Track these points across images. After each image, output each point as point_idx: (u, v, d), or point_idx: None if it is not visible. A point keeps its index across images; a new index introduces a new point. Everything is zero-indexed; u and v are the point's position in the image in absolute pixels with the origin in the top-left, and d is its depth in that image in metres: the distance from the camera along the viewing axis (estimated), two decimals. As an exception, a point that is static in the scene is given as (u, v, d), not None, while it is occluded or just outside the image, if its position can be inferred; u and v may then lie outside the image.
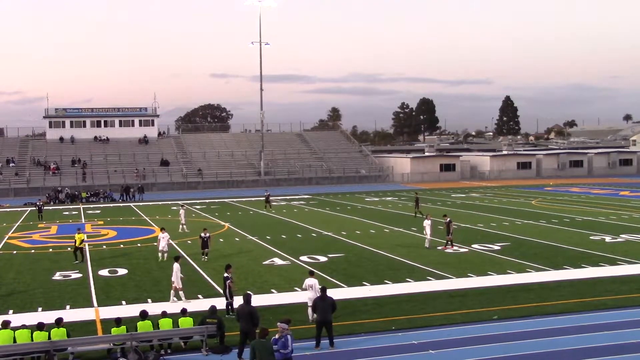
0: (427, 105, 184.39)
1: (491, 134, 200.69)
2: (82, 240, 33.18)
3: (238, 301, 20.13)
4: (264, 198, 60.31)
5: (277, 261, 31.85)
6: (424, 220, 35.89)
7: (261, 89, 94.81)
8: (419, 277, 27.36)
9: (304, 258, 32.31)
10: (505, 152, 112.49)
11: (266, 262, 31.53)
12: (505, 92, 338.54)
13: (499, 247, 34.28)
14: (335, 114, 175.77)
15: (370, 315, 21.54)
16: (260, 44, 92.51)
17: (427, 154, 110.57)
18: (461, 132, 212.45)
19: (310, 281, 21.29)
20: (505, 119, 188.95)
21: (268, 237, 39.81)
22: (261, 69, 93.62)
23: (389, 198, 67.66)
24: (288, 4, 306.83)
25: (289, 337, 16.41)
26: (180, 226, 44.03)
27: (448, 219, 35.29)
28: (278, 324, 16.06)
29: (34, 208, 55.84)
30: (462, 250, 33.87)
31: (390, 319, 20.96)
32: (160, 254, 32.13)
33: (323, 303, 18.57)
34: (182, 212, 44.56)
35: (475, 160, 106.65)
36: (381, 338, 19.09)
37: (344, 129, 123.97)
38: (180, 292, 23.95)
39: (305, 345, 18.36)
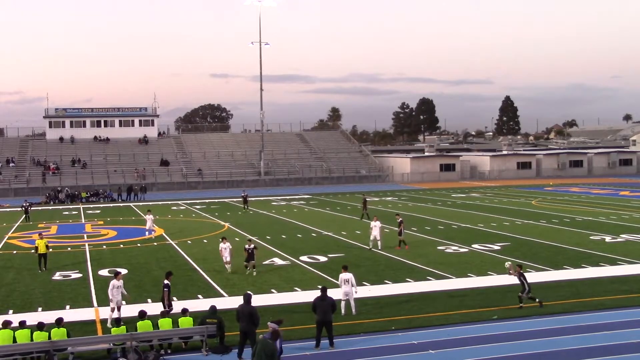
0: (427, 105, 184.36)
1: (491, 134, 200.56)
2: (46, 246, 31.32)
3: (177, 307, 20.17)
4: (241, 198, 59.99)
5: (277, 261, 31.84)
6: (372, 222, 35.69)
7: (261, 89, 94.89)
8: (419, 277, 27.36)
9: (304, 258, 32.30)
10: (505, 152, 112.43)
11: (266, 262, 31.50)
12: (505, 92, 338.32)
13: (499, 247, 34.27)
14: (335, 114, 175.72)
15: (370, 315, 21.53)
16: (260, 44, 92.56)
17: (427, 154, 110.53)
18: (461, 132, 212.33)
19: (345, 275, 21.45)
20: (505, 118, 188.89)
21: (268, 237, 39.80)
22: (261, 69, 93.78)
23: (389, 198, 67.65)
24: (288, 4, 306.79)
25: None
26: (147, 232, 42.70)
27: (400, 219, 35.63)
28: (268, 323, 16.08)
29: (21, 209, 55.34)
30: (462, 250, 33.87)
31: (390, 319, 20.95)
32: (227, 266, 29.47)
33: (323, 303, 18.56)
34: (149, 217, 43.48)
35: (475, 160, 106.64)
36: (381, 338, 19.08)
37: (344, 129, 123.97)
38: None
39: (305, 345, 18.37)
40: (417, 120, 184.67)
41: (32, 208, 56.33)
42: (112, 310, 21.14)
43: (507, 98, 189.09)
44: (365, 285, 26.08)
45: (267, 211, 56.17)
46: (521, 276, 22.24)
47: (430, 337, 18.98)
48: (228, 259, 29.34)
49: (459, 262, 30.28)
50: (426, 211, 53.24)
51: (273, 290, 25.56)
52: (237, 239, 39.66)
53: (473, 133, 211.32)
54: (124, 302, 21.60)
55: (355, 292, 21.71)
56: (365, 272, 28.62)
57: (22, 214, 53.51)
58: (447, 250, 33.81)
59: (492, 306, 22.18)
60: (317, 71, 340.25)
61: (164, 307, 20.93)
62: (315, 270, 29.06)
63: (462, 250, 33.90)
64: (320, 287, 19.89)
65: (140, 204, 68.44)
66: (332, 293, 20.13)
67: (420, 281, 26.67)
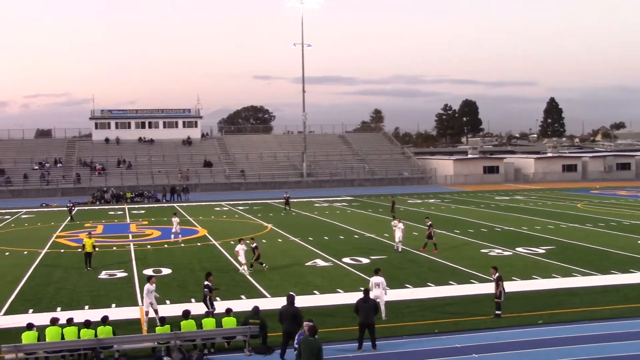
0: (470, 107, 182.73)
1: (535, 136, 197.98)
2: (93, 246, 31.90)
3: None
4: (283, 200, 60.25)
5: (320, 262, 31.86)
6: (393, 222, 35.96)
7: (303, 91, 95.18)
8: (462, 280, 27.14)
9: (347, 260, 32.27)
10: (550, 155, 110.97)
11: (309, 264, 31.57)
12: (550, 93, 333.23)
13: (543, 251, 33.82)
14: (377, 116, 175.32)
15: (413, 317, 21.43)
16: (303, 46, 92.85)
17: (470, 156, 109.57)
18: (505, 134, 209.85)
19: (376, 279, 21.42)
20: (549, 120, 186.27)
21: (310, 239, 39.86)
22: (303, 70, 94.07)
23: (432, 200, 67.22)
24: (330, 6, 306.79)
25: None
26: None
27: (429, 222, 35.52)
28: (305, 322, 16.09)
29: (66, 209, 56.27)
30: (505, 253, 33.51)
31: (433, 321, 20.82)
32: (241, 267, 29.84)
33: (366, 305, 18.52)
34: (175, 220, 41.29)
35: (520, 163, 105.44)
36: (424, 341, 18.96)
37: (387, 130, 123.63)
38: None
39: (348, 347, 18.35)
40: (460, 122, 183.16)
41: (75, 208, 57.24)
42: (146, 313, 21.31)
43: (552, 99, 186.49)
44: (408, 287, 25.98)
45: (310, 212, 56.27)
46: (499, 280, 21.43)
47: (474, 340, 18.80)
48: (243, 260, 29.68)
49: (502, 265, 29.81)
50: (469, 214, 52.80)
51: (315, 292, 25.59)
52: (279, 240, 39.83)
53: (517, 135, 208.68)
54: (157, 306, 21.69)
55: (386, 294, 21.57)
56: (408, 274, 28.51)
57: (69, 213, 54.33)
58: (491, 253, 33.48)
59: (537, 310, 21.87)
60: (359, 73, 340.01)
61: (208, 308, 21.04)
62: (357, 272, 29.01)
63: (505, 253, 33.54)
64: (362, 288, 19.85)
65: (184, 204, 69.10)
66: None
67: (464, 284, 26.45)
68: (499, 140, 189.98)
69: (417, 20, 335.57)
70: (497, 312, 21.21)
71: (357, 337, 18.37)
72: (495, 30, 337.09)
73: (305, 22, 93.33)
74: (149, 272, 29.75)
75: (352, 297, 21.18)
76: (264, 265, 30.06)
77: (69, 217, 53.39)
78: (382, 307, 21.11)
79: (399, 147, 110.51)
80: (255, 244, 30.42)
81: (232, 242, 38.74)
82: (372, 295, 21.08)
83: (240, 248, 29.71)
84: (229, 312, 19.55)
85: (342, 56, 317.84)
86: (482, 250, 34.43)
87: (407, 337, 19.33)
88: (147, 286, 21.64)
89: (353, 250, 35.12)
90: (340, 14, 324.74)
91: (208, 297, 21.55)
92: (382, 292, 21.27)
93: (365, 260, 31.98)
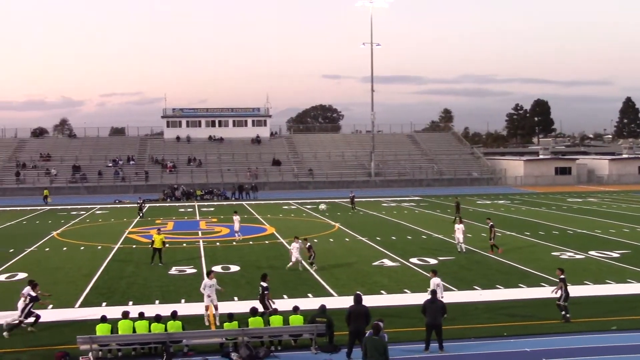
0: (541, 107, 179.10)
1: (610, 136, 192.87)
2: (163, 242, 32.49)
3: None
4: (349, 199, 60.13)
5: (387, 262, 31.76)
6: (455, 225, 35.65)
7: (372, 90, 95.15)
8: (532, 283, 26.65)
9: (414, 260, 32.09)
10: (625, 156, 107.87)
11: (376, 263, 31.51)
12: (626, 93, 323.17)
13: (618, 255, 32.92)
14: (446, 115, 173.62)
15: (481, 320, 21.17)
16: (372, 45, 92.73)
17: (541, 156, 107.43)
18: (578, 135, 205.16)
19: (436, 280, 21.33)
20: (625, 121, 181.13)
21: (378, 238, 39.77)
22: (372, 70, 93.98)
23: (501, 201, 66.22)
24: (400, 4, 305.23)
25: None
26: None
27: (490, 223, 34.93)
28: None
29: (135, 205, 57.44)
30: (578, 256, 32.76)
31: (502, 324, 20.52)
32: (298, 264, 30.02)
33: (433, 306, 18.37)
34: (236, 218, 40.94)
35: (593, 164, 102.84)
36: (492, 344, 18.70)
37: (456, 130, 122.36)
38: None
39: (415, 348, 18.26)
40: (531, 122, 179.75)
41: (147, 205, 58.38)
42: (207, 308, 21.51)
43: (629, 99, 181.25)
44: (476, 289, 25.68)
45: (377, 212, 56.13)
46: None
47: (544, 345, 18.45)
48: (293, 259, 29.94)
49: (574, 269, 29.23)
50: (540, 215, 51.80)
51: (382, 292, 25.52)
52: (346, 239, 39.86)
53: (590, 136, 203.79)
54: (217, 302, 21.84)
55: (442, 296, 21.30)
56: (476, 275, 28.18)
57: (139, 210, 55.46)
58: (562, 257, 32.78)
59: (610, 316, 21.30)
60: (428, 72, 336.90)
61: (265, 309, 21.01)
62: (425, 273, 28.73)
63: (578, 256, 32.78)
64: (429, 289, 19.70)
65: (252, 202, 69.81)
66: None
67: (534, 287, 25.95)
68: (572, 141, 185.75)
69: (488, 18, 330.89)
70: (565, 314, 20.77)
71: (424, 338, 18.25)
72: (569, 29, 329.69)
73: (374, 21, 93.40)
74: (217, 268, 30.18)
75: (420, 298, 21.06)
76: (313, 265, 30.14)
77: (140, 214, 54.50)
78: None
79: (468, 147, 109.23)
80: (308, 244, 30.64)
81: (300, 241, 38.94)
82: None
83: (295, 247, 30.12)
84: (296, 310, 19.59)
85: (412, 55, 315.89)
86: (553, 253, 33.74)
87: (475, 340, 19.11)
88: (206, 281, 21.95)
89: (420, 251, 34.90)
90: (410, 13, 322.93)
91: (266, 298, 21.66)
92: (440, 294, 21.16)
93: (432, 261, 31.73)
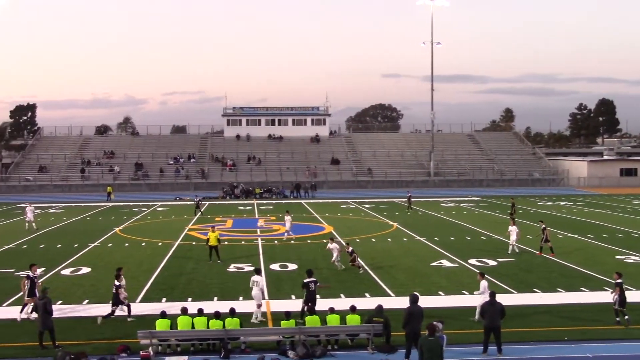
0: (606, 106, 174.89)
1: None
2: (218, 239, 32.73)
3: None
4: (406, 199, 59.74)
5: (445, 263, 31.49)
6: (509, 226, 35.13)
7: (432, 89, 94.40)
8: (595, 287, 26.05)
9: (473, 261, 31.73)
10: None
11: (434, 264, 31.27)
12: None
13: (685, 259, 31.97)
14: (508, 115, 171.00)
15: (541, 323, 20.79)
16: (432, 44, 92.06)
17: (606, 157, 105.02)
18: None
19: (485, 283, 21.12)
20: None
21: (436, 239, 39.46)
22: (432, 69, 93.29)
23: (564, 203, 64.93)
24: (461, 3, 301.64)
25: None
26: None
27: (543, 225, 34.23)
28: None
29: (193, 203, 57.98)
30: (643, 260, 31.92)
31: (563, 328, 20.12)
32: (337, 264, 29.98)
33: (492, 308, 18.12)
34: (288, 217, 41.34)
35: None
36: (552, 348, 18.36)
37: (517, 130, 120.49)
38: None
39: (473, 350, 18.05)
40: (595, 122, 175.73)
41: (206, 203, 58.99)
42: (259, 306, 21.60)
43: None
44: (537, 292, 25.26)
45: (436, 212, 55.69)
46: None
47: (607, 351, 18.02)
48: (334, 258, 29.92)
49: (639, 274, 28.51)
50: (604, 218, 50.64)
51: (440, 293, 25.31)
52: (404, 239, 39.65)
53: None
54: (262, 300, 22.04)
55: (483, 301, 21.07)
56: (537, 278, 27.71)
57: (196, 208, 56.03)
58: (627, 260, 31.97)
59: (676, 322, 20.69)
60: (489, 71, 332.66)
61: (308, 304, 21.09)
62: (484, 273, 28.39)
63: (643, 260, 31.94)
64: (489, 291, 19.45)
65: (311, 201, 70.00)
66: (502, 298, 19.52)
67: (596, 291, 25.35)
68: (638, 142, 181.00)
69: (551, 16, 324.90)
70: (622, 319, 20.29)
71: (482, 340, 18.03)
72: (635, 26, 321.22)
73: (435, 19, 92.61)
74: (275, 267, 30.36)
75: (478, 300, 20.80)
76: (360, 269, 29.60)
77: (198, 212, 55.08)
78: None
79: (529, 147, 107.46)
80: (351, 248, 30.29)
81: (358, 240, 38.95)
82: (480, 298, 20.75)
83: (334, 246, 30.23)
84: (353, 309, 19.55)
85: (473, 54, 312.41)
86: (617, 257, 32.94)
87: (535, 343, 18.80)
88: (255, 278, 22.11)
89: (479, 252, 34.48)
90: (472, 11, 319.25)
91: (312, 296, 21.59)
92: (486, 295, 20.94)
93: (492, 263, 31.34)
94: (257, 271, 23.03)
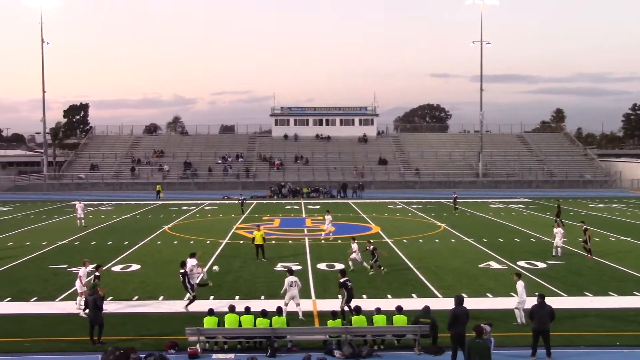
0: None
1: None
2: (263, 238, 33.00)
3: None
4: (452, 200, 59.16)
5: (493, 265, 31.16)
6: (554, 229, 34.59)
7: (481, 89, 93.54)
8: (648, 291, 25.52)
9: (522, 263, 31.33)
10: None
11: (482, 265, 30.96)
12: None
13: None
14: (558, 115, 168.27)
15: (592, 327, 20.43)
16: (482, 43, 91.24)
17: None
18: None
19: (522, 283, 21.01)
20: None
21: (484, 240, 39.07)
22: (482, 68, 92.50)
23: (616, 205, 63.68)
24: (511, 1, 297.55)
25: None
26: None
27: (584, 226, 33.80)
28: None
29: (236, 202, 58.37)
30: (699, 264, 31.12)
31: (615, 333, 19.73)
32: (350, 262, 30.23)
33: (541, 311, 17.86)
34: (328, 217, 41.50)
35: None
36: (603, 353, 18.02)
37: (568, 131, 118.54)
38: None
39: (521, 353, 17.83)
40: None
41: (246, 201, 59.27)
42: (286, 305, 21.54)
43: None
44: (587, 295, 24.83)
45: (484, 213, 55.14)
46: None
47: (660, 356, 17.64)
48: (353, 257, 30.04)
49: (695, 278, 27.83)
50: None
51: (488, 294, 25.04)
52: (452, 240, 39.34)
53: None
54: (300, 300, 22.08)
55: (521, 302, 20.86)
56: (587, 281, 27.23)
57: (248, 206, 56.55)
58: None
59: None
60: (539, 71, 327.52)
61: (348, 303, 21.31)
62: (533, 277, 28.04)
63: (699, 264, 31.14)
64: (537, 294, 19.17)
65: (358, 201, 69.92)
66: (551, 302, 19.22)
67: (650, 295, 24.86)
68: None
69: (603, 14, 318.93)
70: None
71: (530, 343, 17.78)
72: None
73: (484, 18, 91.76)
74: (322, 266, 30.39)
75: (527, 303, 20.53)
76: (373, 269, 29.41)
77: (241, 210, 55.52)
78: (522, 312, 20.71)
79: (581, 148, 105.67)
80: (372, 247, 29.93)
81: (405, 241, 38.79)
82: (517, 300, 20.52)
83: (355, 247, 30.29)
84: (399, 310, 19.49)
85: (523, 54, 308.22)
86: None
87: (585, 348, 18.47)
88: (290, 278, 22.16)
89: (529, 254, 34.03)
90: (522, 10, 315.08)
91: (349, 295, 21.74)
92: (525, 297, 20.81)
93: (541, 265, 30.90)
94: (291, 272, 23.04)
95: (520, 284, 21.00)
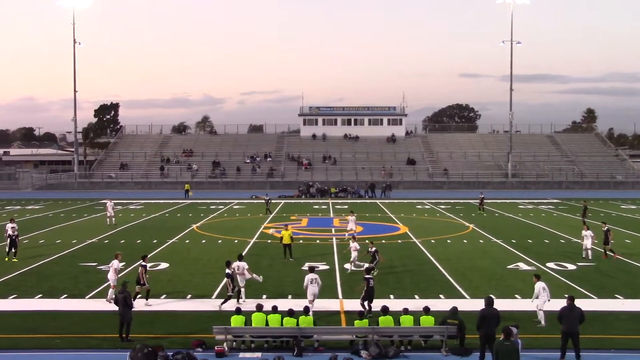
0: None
1: None
2: (291, 237, 33.16)
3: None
4: (478, 200, 58.62)
5: (522, 266, 30.90)
6: (583, 231, 34.02)
7: (511, 89, 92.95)
8: (681, 294, 25.13)
9: (551, 265, 31.04)
10: None
11: (510, 266, 30.73)
12: None
13: None
14: (590, 116, 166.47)
15: (623, 331, 20.18)
16: (512, 43, 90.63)
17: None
18: None
19: (541, 284, 20.96)
20: None
21: (513, 241, 38.78)
22: (512, 68, 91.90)
23: (648, 206, 62.82)
24: (541, 0, 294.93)
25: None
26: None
27: (606, 227, 33.37)
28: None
29: (262, 201, 58.36)
30: None
31: (646, 337, 19.49)
32: (352, 265, 30.17)
33: (571, 313, 17.68)
34: (351, 217, 41.56)
35: None
36: (634, 357, 17.82)
37: (599, 131, 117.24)
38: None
39: (550, 356, 17.67)
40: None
41: (271, 201, 59.22)
42: (310, 302, 21.61)
43: None
44: (618, 298, 24.53)
45: (513, 214, 54.72)
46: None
47: (692, 360, 17.37)
48: (353, 257, 29.97)
49: None
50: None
51: (517, 296, 24.83)
52: (481, 241, 39.10)
53: None
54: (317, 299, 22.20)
55: (549, 300, 20.78)
56: (619, 284, 26.91)
57: (276, 206, 56.68)
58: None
59: None
60: (571, 70, 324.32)
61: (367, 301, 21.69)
62: (562, 278, 27.79)
63: None
64: (567, 295, 18.98)
65: (386, 201, 69.75)
66: (581, 304, 19.00)
67: (683, 299, 24.48)
68: None
69: (634, 13, 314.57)
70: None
71: (559, 345, 17.61)
72: None
73: (515, 18, 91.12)
74: (349, 266, 30.33)
75: (555, 304, 20.27)
76: (374, 271, 28.31)
77: (266, 209, 55.59)
78: (542, 313, 20.63)
79: (612, 148, 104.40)
80: (374, 249, 29.49)
81: (433, 241, 38.63)
82: (538, 301, 20.45)
83: (354, 246, 30.13)
84: (427, 310, 19.42)
85: (553, 53, 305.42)
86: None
87: (615, 351, 18.26)
88: (311, 276, 22.28)
89: (558, 256, 33.70)
90: (553, 9, 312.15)
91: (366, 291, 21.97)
92: (546, 298, 20.71)
93: (571, 267, 30.59)
94: (312, 269, 23.08)
95: (538, 285, 20.85)
